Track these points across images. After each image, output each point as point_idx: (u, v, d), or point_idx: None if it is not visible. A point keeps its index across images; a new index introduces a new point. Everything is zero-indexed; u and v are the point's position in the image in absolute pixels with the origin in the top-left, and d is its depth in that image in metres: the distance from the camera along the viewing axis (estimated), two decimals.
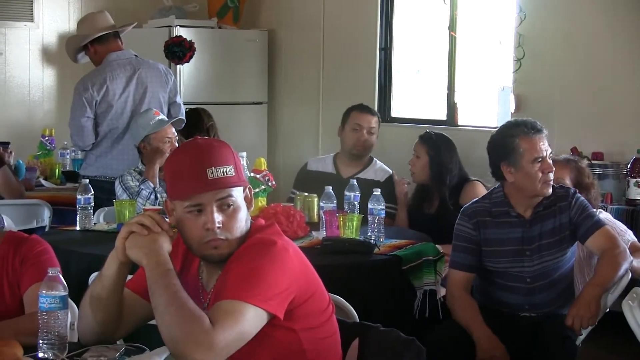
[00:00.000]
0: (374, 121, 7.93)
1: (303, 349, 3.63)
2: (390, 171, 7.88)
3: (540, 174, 5.52)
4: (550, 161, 5.62)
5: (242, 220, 3.65)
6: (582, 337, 5.52)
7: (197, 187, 3.55)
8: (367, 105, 8.33)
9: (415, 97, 11.07)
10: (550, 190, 5.58)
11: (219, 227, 3.56)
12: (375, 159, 8.02)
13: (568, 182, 6.22)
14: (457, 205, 6.66)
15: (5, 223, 4.56)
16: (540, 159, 5.53)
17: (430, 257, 6.12)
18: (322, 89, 11.43)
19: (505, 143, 5.67)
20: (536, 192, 5.58)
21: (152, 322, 3.57)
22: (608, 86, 8.92)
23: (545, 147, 5.58)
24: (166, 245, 3.55)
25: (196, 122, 8.78)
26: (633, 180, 8.07)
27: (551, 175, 5.57)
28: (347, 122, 8.02)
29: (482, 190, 6.37)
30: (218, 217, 3.55)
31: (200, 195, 3.55)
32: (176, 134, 7.37)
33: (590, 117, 8.96)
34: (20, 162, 8.75)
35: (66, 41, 9.55)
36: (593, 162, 8.39)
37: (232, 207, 3.61)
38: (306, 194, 6.82)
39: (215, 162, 3.59)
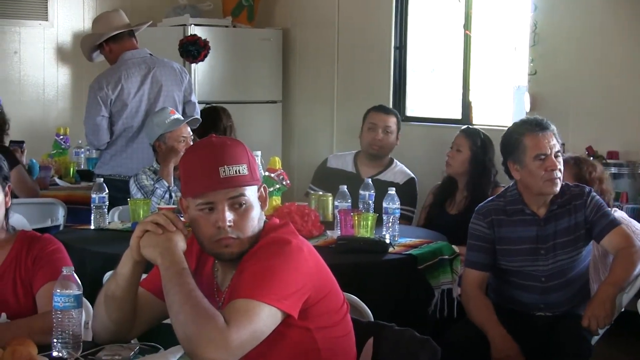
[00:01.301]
0: (390, 121, 7.86)
1: (317, 348, 3.63)
2: (411, 174, 7.82)
3: (542, 172, 5.51)
4: (560, 160, 5.61)
5: (254, 220, 3.65)
6: (597, 337, 5.52)
7: (208, 185, 3.56)
8: (385, 105, 8.29)
9: (430, 96, 11.05)
10: (557, 188, 5.57)
11: (230, 226, 3.56)
12: (395, 160, 7.97)
13: (569, 177, 6.20)
14: None
15: (19, 222, 4.56)
16: (543, 156, 5.52)
17: (446, 257, 6.11)
18: (336, 88, 11.42)
19: (512, 140, 5.70)
20: (540, 190, 5.58)
21: (167, 321, 3.57)
22: (623, 85, 8.91)
23: (551, 145, 5.56)
24: (181, 244, 3.55)
25: (214, 121, 8.76)
26: None
27: (557, 174, 5.53)
28: (364, 122, 8.00)
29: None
30: (229, 216, 3.56)
31: (212, 193, 3.57)
32: (191, 133, 7.37)
33: (606, 116, 8.94)
34: (34, 161, 8.75)
35: (81, 40, 9.57)
36: (608, 161, 8.37)
37: (244, 206, 3.61)
38: (321, 192, 6.81)
39: (228, 160, 3.60)
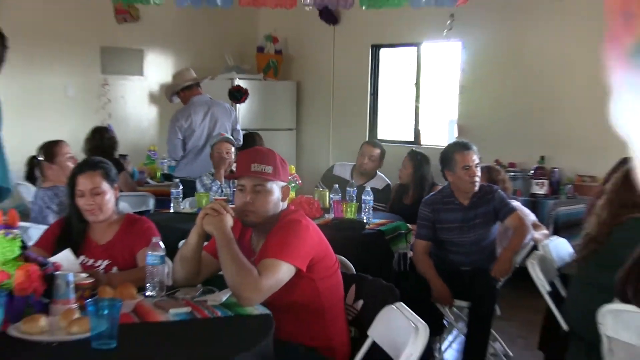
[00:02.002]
0: (375, 152, 7.68)
1: (319, 292, 3.68)
2: (387, 181, 7.70)
3: (467, 177, 5.59)
4: (478, 169, 5.67)
5: (269, 204, 3.74)
6: (501, 283, 5.55)
7: (242, 173, 3.76)
8: (375, 140, 8.21)
9: (394, 125, 11.01)
10: (476, 188, 5.64)
11: (249, 202, 3.69)
12: (378, 172, 7.81)
13: (484, 179, 6.24)
14: None
15: (124, 208, 4.55)
16: (468, 167, 5.60)
17: (402, 231, 6.13)
18: (332, 120, 11.41)
19: (447, 156, 5.75)
20: (465, 188, 5.64)
21: (220, 273, 3.63)
22: (517, 119, 8.98)
23: (472, 159, 5.64)
24: (229, 222, 3.61)
25: (252, 142, 8.79)
26: (534, 181, 8.17)
27: (476, 178, 5.62)
28: (360, 150, 7.90)
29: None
30: (250, 196, 3.69)
31: (243, 179, 3.74)
32: (234, 149, 7.40)
33: (507, 139, 9.01)
34: (135, 169, 8.79)
35: (165, 89, 9.60)
36: (509, 169, 8.46)
37: (261, 192, 3.72)
38: (321, 189, 6.82)
39: (259, 161, 3.74)
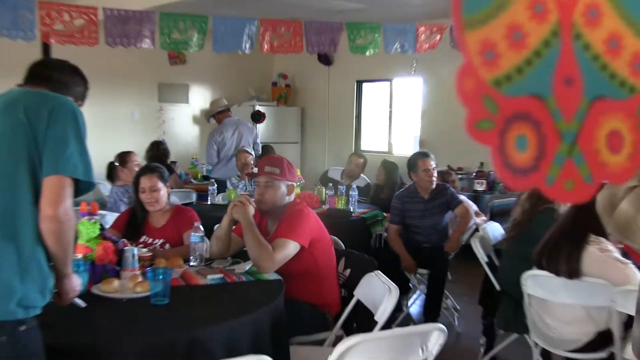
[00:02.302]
0: (359, 161, 7.61)
1: (317, 262, 3.68)
2: (368, 180, 7.64)
3: (427, 178, 5.57)
4: (435, 172, 5.65)
5: (275, 197, 3.75)
6: (451, 256, 5.55)
7: (258, 173, 3.80)
8: (360, 152, 8.14)
9: (372, 139, 10.97)
10: (433, 186, 5.61)
11: (260, 195, 3.74)
12: (362, 174, 7.68)
13: (439, 180, 6.23)
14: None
15: (174, 201, 4.56)
16: (427, 170, 5.57)
17: (380, 218, 6.06)
18: (327, 136, 11.38)
19: (412, 162, 5.70)
20: (426, 186, 5.61)
21: (244, 249, 3.64)
22: (463, 136, 8.91)
23: (431, 164, 5.60)
24: (251, 211, 3.63)
25: (268, 152, 8.79)
26: (476, 181, 8.13)
27: (433, 179, 5.60)
28: (348, 159, 7.88)
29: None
30: (261, 190, 3.74)
31: (259, 177, 3.77)
32: (251, 157, 7.43)
33: (456, 149, 8.93)
34: (182, 171, 8.76)
35: (204, 113, 9.65)
36: (458, 172, 8.40)
37: (270, 188, 3.73)
38: (319, 187, 6.78)
39: (270, 164, 3.79)
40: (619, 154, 1.19)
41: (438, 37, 7.13)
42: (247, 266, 3.55)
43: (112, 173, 6.57)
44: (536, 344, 3.86)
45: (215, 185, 6.82)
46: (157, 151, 8.08)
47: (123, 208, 5.57)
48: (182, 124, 11.04)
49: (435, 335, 2.55)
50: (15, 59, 9.03)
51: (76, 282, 2.42)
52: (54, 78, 2.52)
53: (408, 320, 5.62)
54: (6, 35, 4.94)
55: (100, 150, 8.57)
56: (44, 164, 2.19)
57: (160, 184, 4.11)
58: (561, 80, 1.14)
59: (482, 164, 8.63)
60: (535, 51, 1.12)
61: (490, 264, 4.61)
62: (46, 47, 9.24)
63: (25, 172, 2.17)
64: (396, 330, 2.53)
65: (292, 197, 3.85)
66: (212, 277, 3.35)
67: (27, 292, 2.12)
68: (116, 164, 6.35)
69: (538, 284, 3.67)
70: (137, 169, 5.93)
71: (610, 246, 3.49)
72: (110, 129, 9.92)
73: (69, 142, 2.21)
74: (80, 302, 2.70)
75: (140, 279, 3.11)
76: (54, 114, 2.23)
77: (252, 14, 6.37)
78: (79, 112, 2.32)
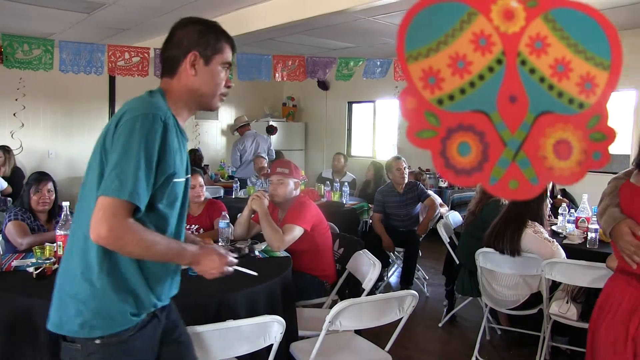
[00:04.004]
0: (342, 157, 7.64)
1: (317, 243, 3.64)
2: (353, 176, 7.61)
3: (399, 175, 5.50)
4: (406, 171, 5.59)
5: (285, 192, 3.70)
6: (422, 238, 5.51)
7: (272, 173, 3.76)
8: (341, 152, 8.08)
9: (361, 147, 10.91)
10: (406, 181, 5.54)
11: (274, 190, 3.69)
12: (347, 171, 7.71)
13: (412, 178, 6.21)
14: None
15: (207, 195, 4.55)
16: (399, 169, 5.50)
17: (366, 208, 6.05)
18: (324, 145, 11.33)
19: (388, 164, 5.66)
20: (399, 182, 5.53)
21: (260, 232, 3.60)
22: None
23: (402, 165, 5.54)
24: (266, 203, 3.57)
25: (279, 157, 8.78)
26: (440, 179, 8.08)
27: (405, 177, 5.53)
28: (333, 157, 7.86)
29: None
30: (274, 186, 3.69)
31: (272, 176, 3.73)
32: (266, 161, 7.42)
33: (425, 154, 8.90)
34: (212, 172, 8.79)
35: (230, 127, 9.62)
36: (427, 172, 8.36)
37: (281, 184, 3.69)
38: (318, 184, 6.78)
39: (281, 166, 3.75)
40: (568, 160, 1.17)
41: None
42: (263, 246, 3.54)
43: None
44: (486, 305, 3.86)
45: (238, 183, 6.82)
46: (194, 157, 8.09)
47: None
48: (213, 135, 10.98)
49: (409, 300, 2.55)
50: (86, 86, 8.99)
51: (209, 265, 1.86)
52: (164, 57, 1.84)
53: (388, 288, 5.61)
54: (82, 71, 5.08)
55: None
56: None
57: (202, 182, 4.11)
58: (505, 98, 1.12)
59: None
60: (479, 75, 1.11)
61: (451, 243, 4.60)
62: (112, 78, 9.30)
63: (96, 188, 1.64)
64: (379, 296, 2.52)
65: (298, 191, 3.82)
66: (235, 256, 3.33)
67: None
68: None
69: (487, 259, 3.67)
70: None
71: (541, 229, 3.57)
72: None
73: (116, 156, 1.58)
74: (250, 272, 2.51)
75: None
76: (119, 124, 1.62)
77: (267, 51, 6.41)
78: (140, 119, 1.60)
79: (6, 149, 7.01)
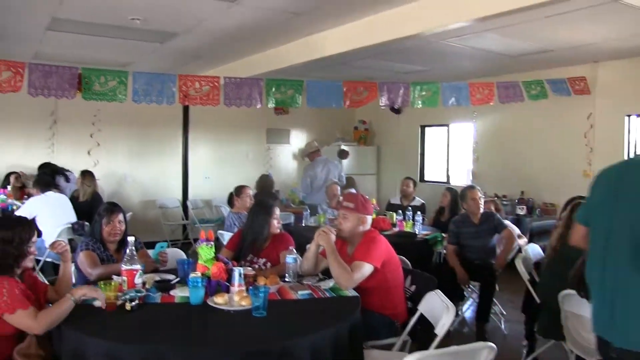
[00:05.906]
0: (410, 182, 7.46)
1: (387, 279, 3.51)
2: (423, 201, 7.37)
3: (474, 205, 5.38)
4: (482, 201, 5.43)
5: (349, 227, 3.61)
6: (499, 272, 5.26)
7: (338, 206, 3.78)
8: (410, 177, 7.81)
9: (434, 171, 10.67)
10: (481, 211, 5.41)
11: (339, 224, 3.62)
12: (415, 196, 7.45)
13: (492, 208, 5.96)
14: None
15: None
16: (474, 199, 5.39)
17: (439, 239, 5.81)
18: (398, 169, 11.09)
19: (463, 193, 5.55)
20: (474, 212, 5.39)
21: (328, 268, 3.47)
22: (507, 169, 8.58)
23: (477, 194, 5.42)
24: (333, 238, 3.49)
25: (350, 182, 8.70)
26: (518, 206, 7.79)
27: (481, 207, 5.40)
28: (401, 181, 7.65)
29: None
30: (339, 221, 3.64)
31: (339, 209, 3.69)
32: (339, 188, 7.30)
33: (501, 180, 8.61)
34: (284, 197, 8.81)
35: (301, 152, 9.66)
36: (503, 199, 8.05)
37: (345, 219, 3.61)
38: (389, 212, 6.59)
39: (348, 200, 3.68)
40: None
41: (487, 91, 6.86)
42: (331, 283, 3.41)
43: (230, 200, 6.59)
44: (571, 351, 3.55)
45: (308, 211, 6.75)
46: (266, 182, 8.11)
47: (235, 229, 5.53)
48: (284, 160, 11.09)
49: (485, 353, 2.32)
50: (160, 113, 9.28)
51: None
52: None
53: (463, 323, 5.37)
54: (155, 101, 5.21)
55: (224, 181, 9.47)
56: None
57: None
58: None
59: (522, 192, 8.25)
60: None
61: (531, 280, 4.34)
62: (185, 107, 9.57)
63: None
64: (452, 349, 2.30)
65: (367, 225, 3.68)
66: (302, 292, 3.23)
67: None
68: (234, 194, 6.34)
69: (573, 303, 3.38)
70: (248, 199, 5.92)
71: None
72: (230, 165, 10.27)
73: None
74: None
75: (245, 294, 3.00)
76: None
77: (337, 76, 6.33)
78: None
79: (84, 174, 7.22)
